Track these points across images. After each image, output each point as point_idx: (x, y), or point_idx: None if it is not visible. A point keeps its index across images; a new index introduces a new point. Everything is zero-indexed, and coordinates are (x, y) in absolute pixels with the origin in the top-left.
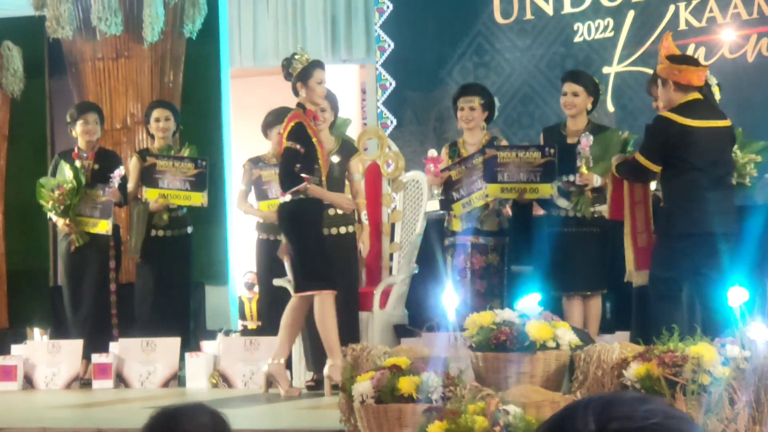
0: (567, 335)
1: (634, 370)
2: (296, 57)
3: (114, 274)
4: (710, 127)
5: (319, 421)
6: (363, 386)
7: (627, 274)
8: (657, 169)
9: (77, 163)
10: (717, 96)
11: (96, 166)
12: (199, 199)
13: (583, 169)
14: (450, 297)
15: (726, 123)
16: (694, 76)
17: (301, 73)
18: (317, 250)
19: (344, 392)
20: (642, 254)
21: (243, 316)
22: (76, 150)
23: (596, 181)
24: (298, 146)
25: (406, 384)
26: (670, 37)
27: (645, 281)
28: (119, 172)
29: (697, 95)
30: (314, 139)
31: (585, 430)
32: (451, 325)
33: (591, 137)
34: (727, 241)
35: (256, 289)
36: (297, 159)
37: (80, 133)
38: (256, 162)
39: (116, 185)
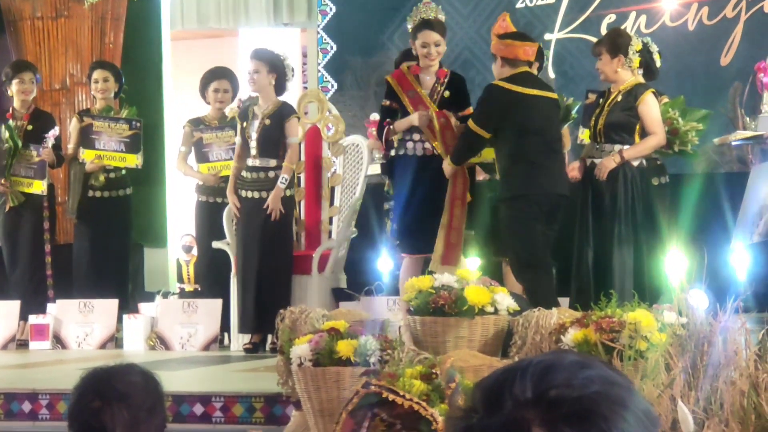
0: (505, 300)
1: (571, 336)
2: (411, 14)
3: (48, 234)
4: (539, 96)
5: (257, 384)
6: (301, 349)
7: (432, 263)
8: (487, 135)
9: (11, 123)
10: (658, 63)
11: (30, 127)
12: (134, 160)
13: None
14: (387, 261)
15: (553, 95)
16: (519, 50)
17: (412, 32)
18: (409, 212)
19: (282, 355)
20: (450, 250)
21: (180, 279)
22: (11, 110)
23: None
24: (388, 102)
25: (344, 347)
26: (507, 17)
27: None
28: (53, 132)
29: (525, 68)
30: (402, 96)
31: (522, 396)
32: (387, 289)
33: None
34: (562, 207)
35: (194, 251)
36: (388, 114)
37: (15, 92)
38: (197, 124)
39: (50, 145)
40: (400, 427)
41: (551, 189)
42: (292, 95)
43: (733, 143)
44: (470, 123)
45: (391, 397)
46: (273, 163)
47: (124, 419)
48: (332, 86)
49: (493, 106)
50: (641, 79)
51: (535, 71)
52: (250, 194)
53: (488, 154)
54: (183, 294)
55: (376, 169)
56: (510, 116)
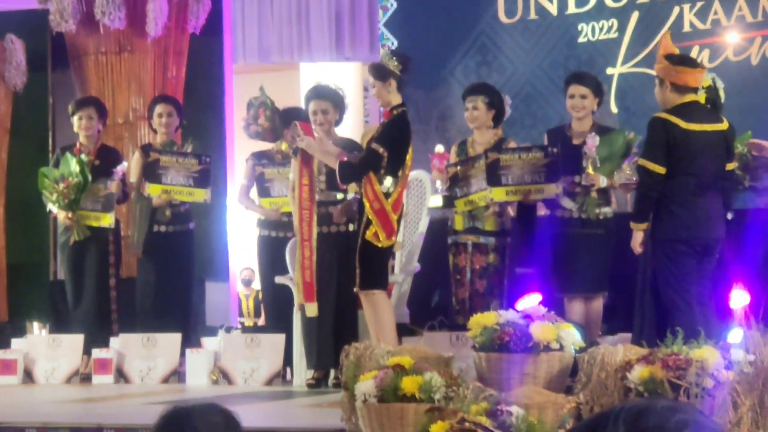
0: (571, 337)
1: (637, 373)
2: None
3: (113, 269)
4: (704, 131)
5: (320, 419)
6: (366, 385)
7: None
8: (662, 170)
9: (83, 158)
10: (722, 99)
11: (97, 162)
12: (202, 195)
13: (589, 170)
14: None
15: (720, 126)
16: (690, 77)
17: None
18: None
19: (347, 391)
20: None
21: (240, 313)
22: (78, 145)
23: (602, 181)
24: None
25: (408, 384)
26: (668, 36)
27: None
28: (122, 168)
29: (693, 97)
30: None
31: None
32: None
33: (597, 138)
34: (716, 246)
35: (253, 285)
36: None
37: (77, 128)
38: (260, 158)
39: (118, 179)
40: None
41: (696, 233)
42: (354, 129)
43: None
44: (641, 161)
45: None
46: (339, 196)
47: None
48: None
49: (661, 140)
50: None
51: (702, 98)
52: (318, 229)
53: (550, 190)
54: (245, 328)
55: (437, 200)
56: (671, 153)
